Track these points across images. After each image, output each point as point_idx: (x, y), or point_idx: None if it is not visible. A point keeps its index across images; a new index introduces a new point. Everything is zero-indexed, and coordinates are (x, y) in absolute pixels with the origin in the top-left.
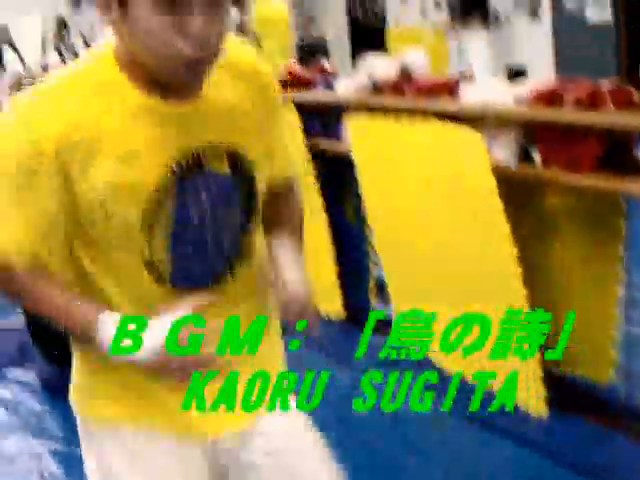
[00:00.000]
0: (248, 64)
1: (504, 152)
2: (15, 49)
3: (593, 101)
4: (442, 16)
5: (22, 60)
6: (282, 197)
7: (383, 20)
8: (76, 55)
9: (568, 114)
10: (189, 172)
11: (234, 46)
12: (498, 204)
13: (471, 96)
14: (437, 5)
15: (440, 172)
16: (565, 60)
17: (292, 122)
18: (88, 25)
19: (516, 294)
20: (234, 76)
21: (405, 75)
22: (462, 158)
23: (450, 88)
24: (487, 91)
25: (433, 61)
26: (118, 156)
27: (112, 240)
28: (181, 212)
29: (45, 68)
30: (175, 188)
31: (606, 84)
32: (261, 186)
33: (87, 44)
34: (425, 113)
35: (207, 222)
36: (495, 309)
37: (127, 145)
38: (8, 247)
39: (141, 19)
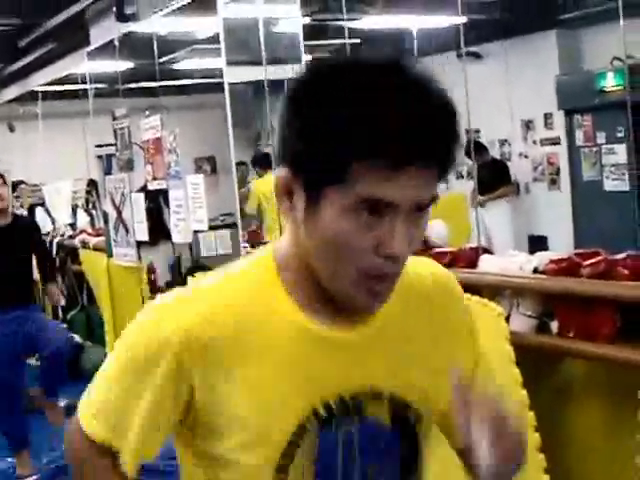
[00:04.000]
0: (434, 283)
1: (522, 322)
2: (46, 209)
3: (609, 272)
4: (465, 186)
5: (52, 220)
6: None
7: None
8: (105, 216)
9: (584, 284)
10: (338, 415)
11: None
12: (517, 374)
13: (490, 267)
14: (460, 176)
15: None
16: (584, 227)
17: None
18: (117, 189)
19: (535, 464)
20: (413, 299)
21: (424, 245)
22: (481, 330)
23: (469, 258)
24: (505, 262)
25: (455, 231)
26: (255, 385)
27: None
28: (324, 463)
29: (73, 227)
30: (317, 434)
31: (621, 255)
32: (425, 441)
33: (115, 206)
34: None
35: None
36: None
37: (270, 372)
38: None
39: (329, 221)
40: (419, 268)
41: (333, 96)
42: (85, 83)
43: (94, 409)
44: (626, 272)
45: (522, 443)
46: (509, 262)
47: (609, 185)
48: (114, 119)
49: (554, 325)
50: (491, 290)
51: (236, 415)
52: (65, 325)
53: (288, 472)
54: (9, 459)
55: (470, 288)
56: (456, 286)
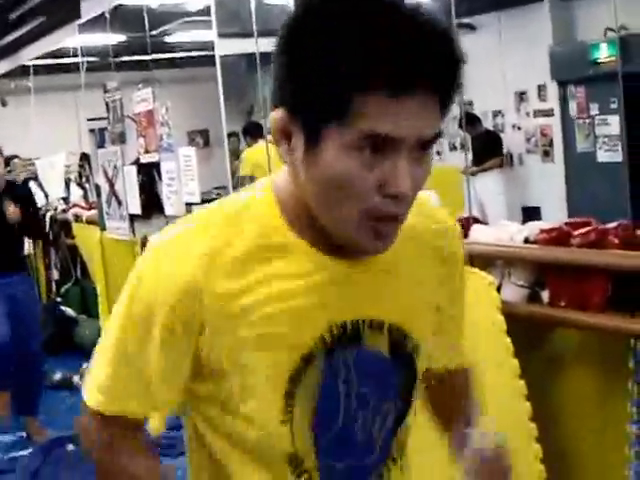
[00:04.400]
0: (438, 230)
1: (513, 291)
2: (39, 184)
3: (600, 241)
4: (458, 158)
5: (45, 194)
6: (451, 385)
7: None
8: (98, 189)
9: (575, 254)
10: (341, 344)
11: (422, 203)
12: (508, 343)
13: (481, 236)
14: (453, 148)
15: None
16: (577, 199)
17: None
18: (110, 161)
19: (526, 433)
20: (419, 243)
21: None
22: (472, 299)
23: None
24: (496, 232)
25: (449, 203)
26: (264, 314)
27: (238, 416)
28: (326, 394)
29: (66, 201)
30: (322, 361)
31: (612, 224)
32: (421, 374)
33: (108, 179)
34: None
35: (354, 410)
36: None
37: (275, 304)
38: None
39: (330, 161)
40: (432, 216)
41: (326, 29)
42: (77, 56)
43: (98, 378)
44: (617, 241)
45: None
46: (500, 232)
47: (602, 156)
48: (106, 92)
49: (545, 294)
50: (482, 260)
51: (248, 352)
52: (59, 299)
53: (295, 397)
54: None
55: None
56: (457, 231)
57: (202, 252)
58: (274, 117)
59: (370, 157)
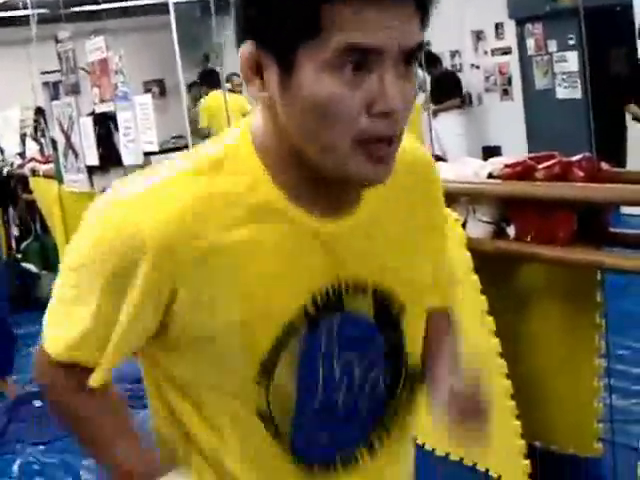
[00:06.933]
0: (417, 165)
1: (479, 228)
2: None
3: (564, 174)
4: (419, 98)
5: (1, 149)
6: (434, 324)
7: None
8: (54, 142)
9: (538, 187)
10: (324, 311)
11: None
12: (475, 280)
13: (444, 174)
14: None
15: None
16: (537, 137)
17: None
18: (64, 113)
19: (495, 369)
20: (399, 182)
21: None
22: None
23: None
24: (460, 169)
25: None
26: (243, 284)
27: (211, 383)
28: (308, 362)
29: (22, 156)
30: (305, 331)
31: (576, 157)
32: (410, 338)
33: (64, 131)
34: None
35: (337, 377)
36: None
37: (256, 267)
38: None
39: (309, 85)
40: (410, 151)
41: None
42: (27, 9)
43: (59, 324)
44: (581, 174)
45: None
46: (463, 168)
47: (562, 93)
48: (58, 42)
49: (511, 230)
50: (446, 197)
51: (220, 315)
52: (19, 255)
53: (274, 371)
54: None
55: None
56: (433, 168)
57: (182, 205)
58: (243, 53)
59: (353, 75)
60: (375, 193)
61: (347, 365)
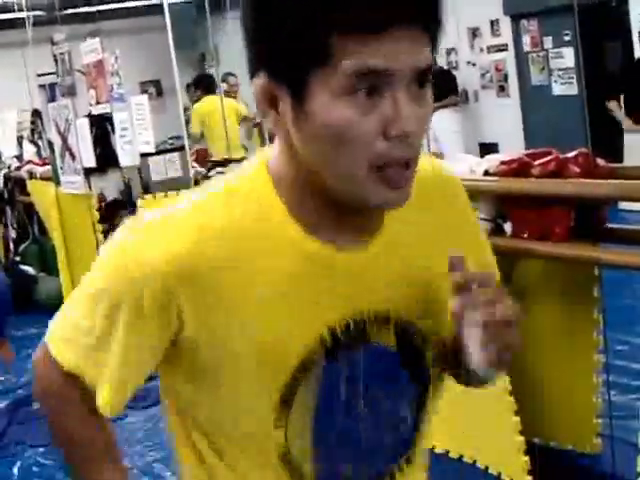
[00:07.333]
0: (441, 185)
1: None
2: None
3: (560, 170)
4: None
5: None
6: None
7: None
8: (50, 145)
9: (535, 184)
10: (344, 343)
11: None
12: None
13: None
14: None
15: None
16: (534, 133)
17: None
18: (61, 115)
19: None
20: (423, 202)
21: None
22: None
23: None
24: (456, 166)
25: None
26: (256, 316)
27: (228, 425)
28: (327, 395)
29: (20, 159)
30: (322, 364)
31: (572, 153)
32: (434, 370)
33: (60, 133)
34: None
35: (360, 411)
36: None
37: (270, 298)
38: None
39: (323, 113)
40: (427, 169)
41: None
42: (22, 11)
43: (67, 334)
44: (577, 170)
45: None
46: (459, 166)
47: (558, 89)
48: (54, 44)
49: (508, 227)
50: None
51: (234, 350)
52: (18, 258)
53: (292, 405)
54: None
55: None
56: (461, 187)
57: (196, 235)
58: (256, 85)
59: (366, 99)
60: (398, 213)
61: (369, 396)
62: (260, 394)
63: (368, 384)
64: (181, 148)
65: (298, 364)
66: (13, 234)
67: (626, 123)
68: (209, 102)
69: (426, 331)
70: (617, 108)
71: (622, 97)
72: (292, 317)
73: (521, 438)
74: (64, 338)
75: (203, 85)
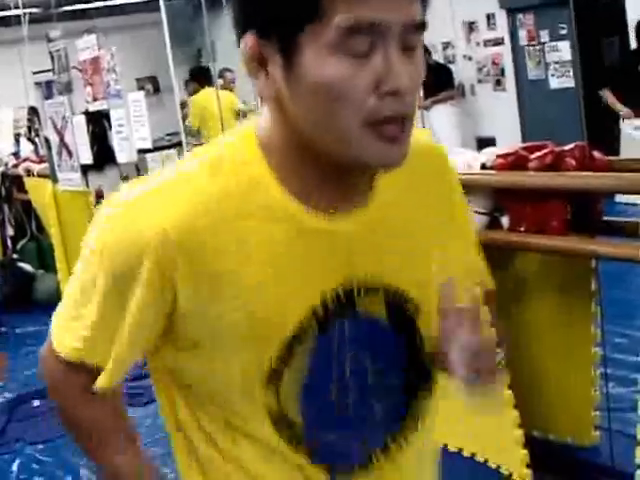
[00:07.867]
0: (432, 155)
1: (472, 219)
2: None
3: (556, 164)
4: None
5: None
6: None
7: None
8: (47, 142)
9: (531, 177)
10: (335, 312)
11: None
12: None
13: None
14: None
15: None
16: (531, 127)
17: None
18: (57, 112)
19: None
20: (413, 171)
21: None
22: None
23: None
24: (453, 160)
25: None
26: (249, 288)
27: (221, 387)
28: (317, 365)
29: (17, 156)
30: (315, 334)
31: (568, 146)
32: (428, 339)
33: (57, 130)
34: None
35: (348, 378)
36: None
37: (263, 267)
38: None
39: (314, 69)
40: (419, 141)
41: None
42: (18, 9)
43: (65, 322)
44: (574, 163)
45: (494, 368)
46: (456, 160)
47: (554, 83)
48: (49, 41)
49: (505, 220)
50: None
51: (229, 322)
52: (15, 255)
53: (284, 372)
54: None
55: None
56: (447, 158)
57: (186, 203)
58: (244, 46)
59: (357, 55)
60: (388, 182)
61: (358, 365)
62: (252, 363)
63: (358, 352)
64: (178, 144)
65: (291, 330)
66: (11, 232)
67: (625, 112)
68: (206, 95)
69: (417, 300)
70: (613, 98)
71: (620, 88)
72: (286, 287)
73: (520, 431)
74: (64, 327)
75: (200, 77)
